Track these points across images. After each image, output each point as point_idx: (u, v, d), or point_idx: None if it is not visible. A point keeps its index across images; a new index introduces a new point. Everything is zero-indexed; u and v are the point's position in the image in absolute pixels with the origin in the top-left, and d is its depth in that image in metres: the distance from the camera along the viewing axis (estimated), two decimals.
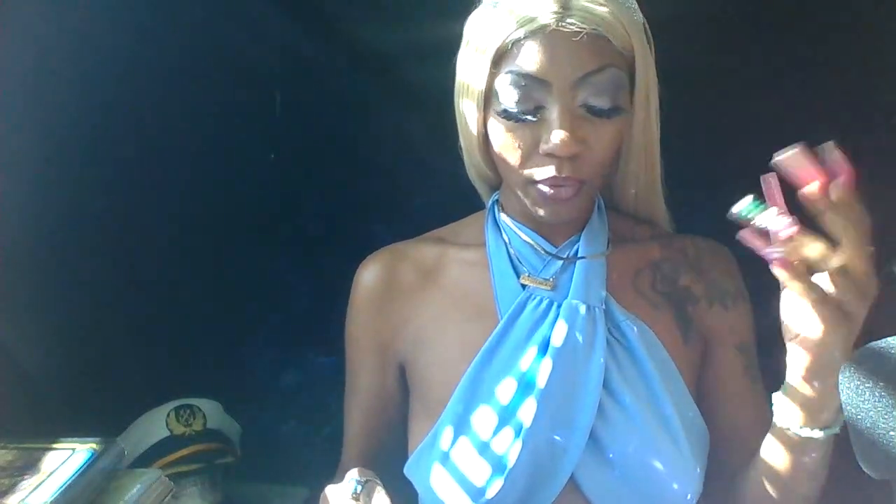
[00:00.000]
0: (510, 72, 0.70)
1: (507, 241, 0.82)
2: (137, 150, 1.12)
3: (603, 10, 0.68)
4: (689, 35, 0.95)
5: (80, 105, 1.07)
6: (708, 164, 1.04)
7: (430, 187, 1.14)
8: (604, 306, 0.77)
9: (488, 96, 0.73)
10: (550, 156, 0.70)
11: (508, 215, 0.82)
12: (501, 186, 0.83)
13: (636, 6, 0.74)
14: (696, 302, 0.81)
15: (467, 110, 0.77)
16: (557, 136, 0.68)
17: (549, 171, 0.70)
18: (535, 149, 0.71)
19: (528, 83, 0.69)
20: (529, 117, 0.70)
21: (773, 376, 0.82)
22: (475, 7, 0.76)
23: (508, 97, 0.70)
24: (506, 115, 0.71)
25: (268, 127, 1.26)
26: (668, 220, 0.86)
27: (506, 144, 0.72)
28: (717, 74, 1.07)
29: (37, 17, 1.01)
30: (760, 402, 0.80)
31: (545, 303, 0.77)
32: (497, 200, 0.84)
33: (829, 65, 1.09)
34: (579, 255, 0.79)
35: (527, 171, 0.72)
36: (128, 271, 1.14)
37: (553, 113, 0.69)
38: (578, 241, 0.80)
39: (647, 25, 0.74)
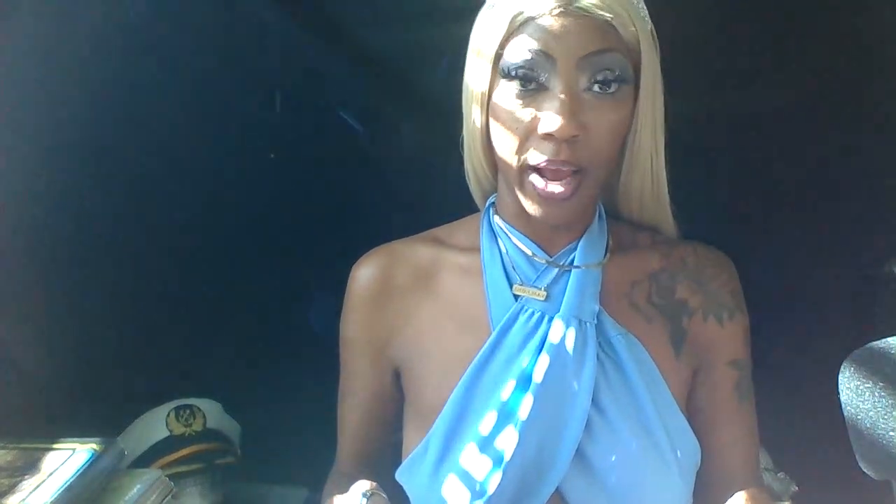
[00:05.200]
0: (517, 48, 0.69)
1: (502, 248, 0.80)
2: (137, 151, 1.12)
3: (612, 0, 0.69)
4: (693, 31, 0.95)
5: (81, 105, 1.07)
6: (706, 167, 1.04)
7: (432, 187, 1.14)
8: (595, 321, 0.76)
9: (493, 80, 0.72)
10: (549, 138, 0.69)
11: (503, 219, 0.80)
12: (498, 188, 0.82)
13: (645, 10, 0.73)
14: (691, 314, 0.80)
15: (473, 92, 0.75)
16: (557, 118, 0.67)
17: (546, 153, 0.69)
18: (534, 132, 0.70)
19: (534, 58, 0.68)
20: (532, 86, 0.69)
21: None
22: (478, 6, 0.76)
23: (513, 74, 0.70)
24: (508, 93, 0.70)
25: (268, 127, 1.26)
26: (674, 228, 0.84)
27: (506, 126, 0.71)
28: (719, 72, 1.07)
29: (36, 18, 1.01)
30: (746, 421, 0.80)
31: (536, 315, 0.76)
32: (493, 204, 0.83)
33: (829, 66, 1.09)
34: (575, 264, 0.77)
35: (524, 156, 0.70)
36: (128, 271, 1.14)
37: (555, 93, 0.68)
38: (575, 249, 0.78)
39: (654, 32, 0.73)
